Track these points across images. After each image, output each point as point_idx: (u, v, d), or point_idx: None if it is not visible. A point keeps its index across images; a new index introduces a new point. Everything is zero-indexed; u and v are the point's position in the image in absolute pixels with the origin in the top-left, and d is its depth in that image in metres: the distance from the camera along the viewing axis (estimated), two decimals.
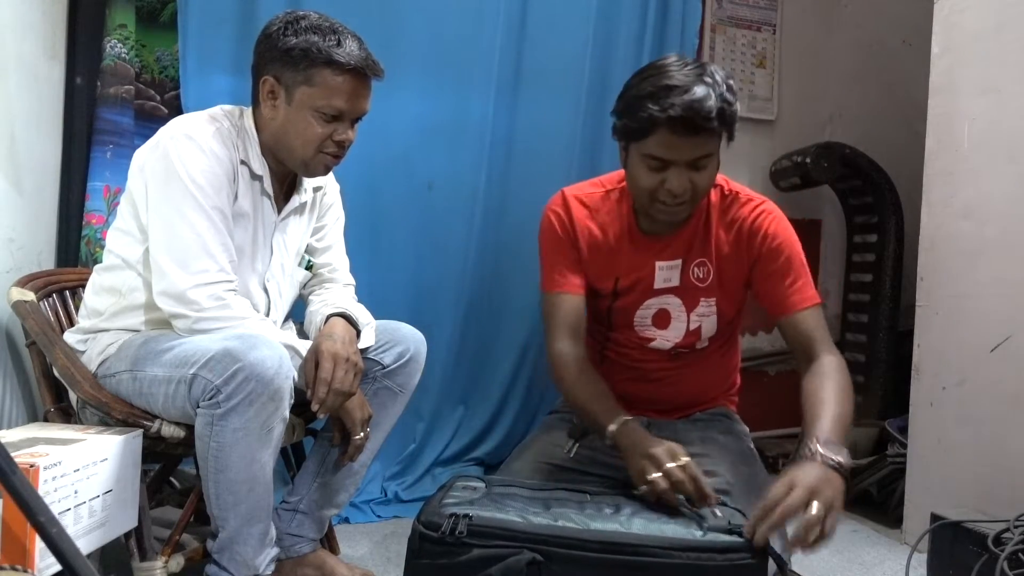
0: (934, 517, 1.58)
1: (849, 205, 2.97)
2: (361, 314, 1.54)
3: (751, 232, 1.47)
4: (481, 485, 1.24)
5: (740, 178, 3.01)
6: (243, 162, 1.42)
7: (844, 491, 1.13)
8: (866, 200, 2.87)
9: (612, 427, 1.31)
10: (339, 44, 1.37)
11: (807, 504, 1.07)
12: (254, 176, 1.45)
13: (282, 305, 1.57)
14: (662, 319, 1.53)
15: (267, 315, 1.51)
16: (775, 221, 1.48)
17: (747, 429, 1.61)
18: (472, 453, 2.40)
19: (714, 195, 1.49)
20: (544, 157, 2.42)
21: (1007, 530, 1.42)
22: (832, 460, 1.15)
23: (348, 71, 1.38)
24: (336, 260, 1.68)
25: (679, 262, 1.50)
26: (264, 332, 1.33)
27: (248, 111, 1.48)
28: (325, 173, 1.51)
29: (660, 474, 1.19)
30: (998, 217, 1.86)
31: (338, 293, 1.63)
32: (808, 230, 3.09)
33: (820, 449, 1.16)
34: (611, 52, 2.46)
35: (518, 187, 2.40)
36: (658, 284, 1.50)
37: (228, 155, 1.39)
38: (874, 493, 2.30)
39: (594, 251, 1.52)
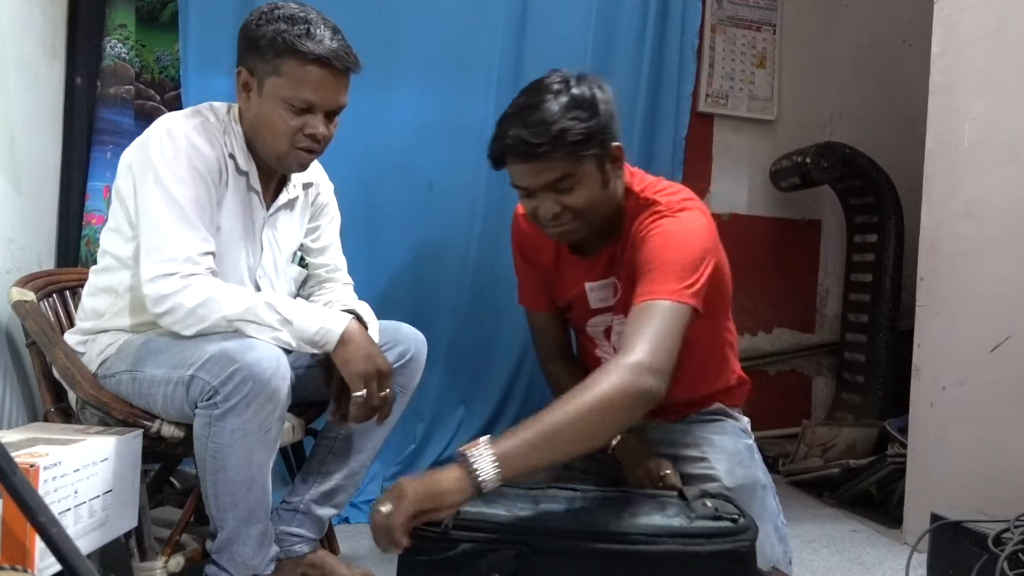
0: (934, 517, 1.58)
1: (849, 205, 2.97)
2: (365, 312, 1.54)
3: (634, 240, 1.38)
4: None
5: (740, 178, 3.03)
6: (231, 156, 1.41)
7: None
8: (866, 200, 2.87)
9: (613, 442, 1.42)
10: (308, 34, 1.33)
11: None
12: (240, 171, 1.43)
13: None
14: (609, 334, 1.54)
15: None
16: (658, 226, 1.33)
17: (747, 423, 1.59)
18: None
19: (631, 204, 1.41)
20: None
21: (1007, 530, 1.42)
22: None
23: (313, 61, 1.33)
24: (334, 260, 1.68)
25: (610, 280, 1.49)
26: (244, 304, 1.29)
27: (236, 107, 1.47)
28: (300, 170, 1.48)
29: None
30: (998, 217, 1.85)
31: (341, 292, 1.63)
32: (808, 230, 3.09)
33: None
34: (611, 52, 2.45)
35: None
36: (594, 304, 1.52)
37: (212, 149, 1.37)
38: (874, 493, 2.30)
39: (540, 270, 1.57)
